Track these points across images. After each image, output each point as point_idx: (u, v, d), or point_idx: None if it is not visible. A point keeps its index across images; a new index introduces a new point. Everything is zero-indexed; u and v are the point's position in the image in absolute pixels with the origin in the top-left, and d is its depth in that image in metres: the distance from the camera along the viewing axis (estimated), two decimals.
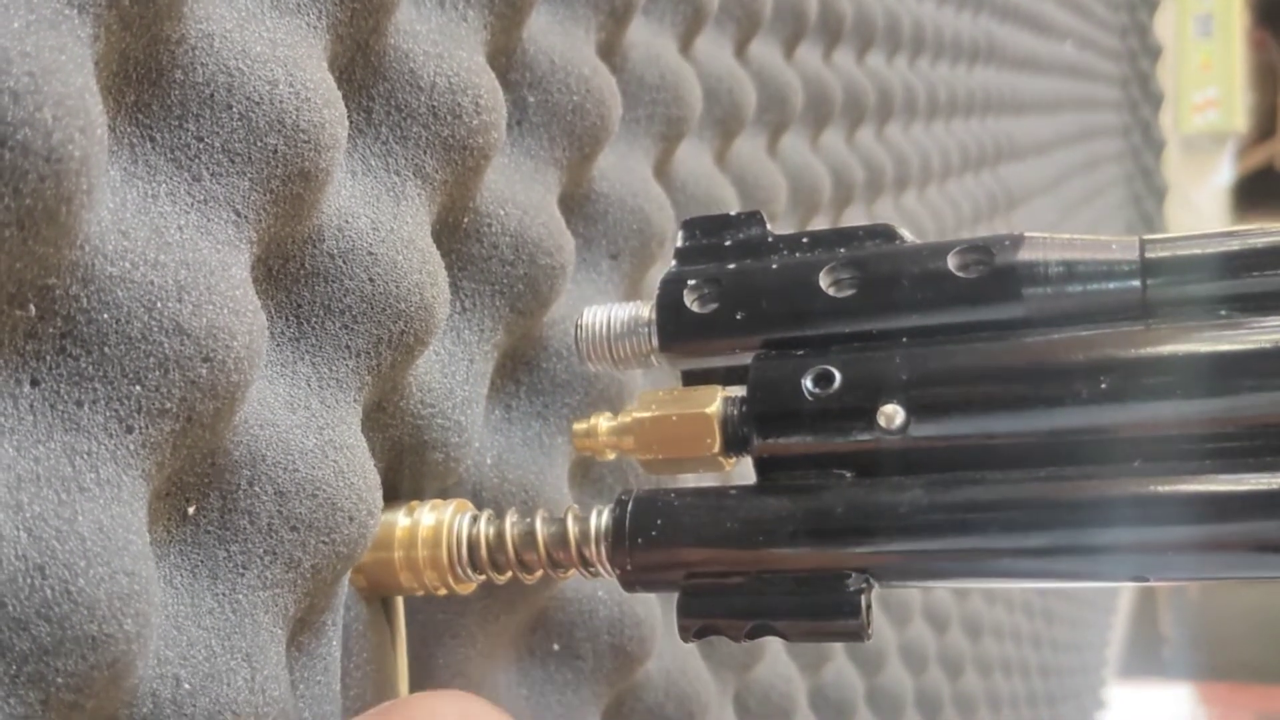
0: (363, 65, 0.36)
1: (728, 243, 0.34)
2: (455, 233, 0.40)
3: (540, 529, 0.34)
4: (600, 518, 0.33)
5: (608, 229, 0.48)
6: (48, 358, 0.25)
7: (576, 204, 0.48)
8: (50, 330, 0.25)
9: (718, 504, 0.31)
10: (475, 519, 0.36)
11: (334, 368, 0.33)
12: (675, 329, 0.33)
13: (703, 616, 0.31)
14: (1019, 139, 1.37)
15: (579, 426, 0.35)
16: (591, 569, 0.34)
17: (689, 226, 0.35)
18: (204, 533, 0.29)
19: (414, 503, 0.37)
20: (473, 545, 0.35)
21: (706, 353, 0.33)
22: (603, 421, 0.35)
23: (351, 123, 0.36)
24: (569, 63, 0.45)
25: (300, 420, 0.32)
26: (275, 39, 0.31)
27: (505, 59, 0.43)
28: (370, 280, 0.34)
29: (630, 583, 0.32)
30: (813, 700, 0.65)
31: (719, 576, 0.31)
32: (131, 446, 0.26)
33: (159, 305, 0.26)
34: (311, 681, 0.33)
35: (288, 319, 0.33)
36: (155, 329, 0.26)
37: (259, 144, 0.30)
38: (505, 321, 0.41)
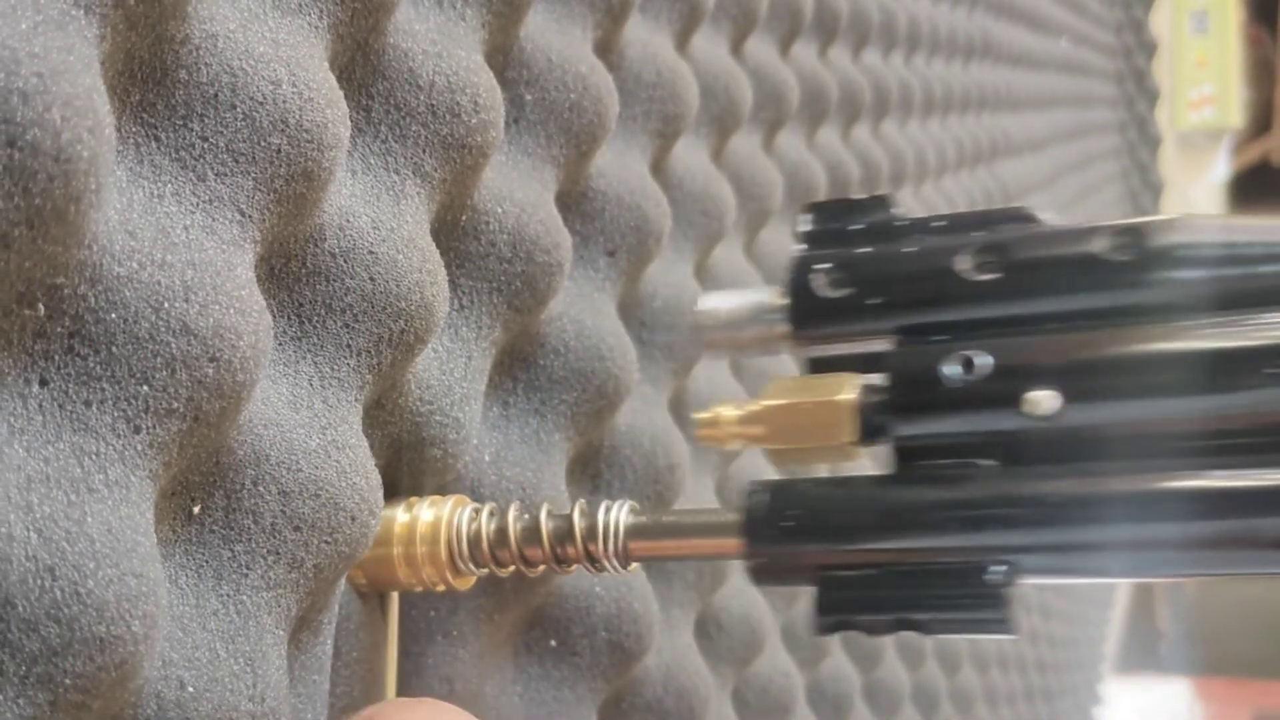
0: (362, 64, 0.36)
1: (856, 226, 0.33)
2: (453, 230, 0.40)
3: (545, 524, 0.35)
4: (609, 514, 0.33)
5: (605, 226, 0.49)
6: (56, 357, 0.26)
7: (574, 201, 0.48)
8: (59, 330, 0.26)
9: (856, 493, 0.30)
10: (476, 514, 0.36)
11: (336, 367, 0.33)
12: (808, 314, 0.32)
13: (842, 611, 0.30)
14: (1015, 135, 1.37)
15: (702, 417, 0.34)
16: (597, 564, 0.34)
17: (814, 210, 0.34)
18: (209, 532, 0.30)
19: (413, 499, 0.37)
20: (473, 540, 0.36)
21: (839, 338, 0.33)
22: (728, 411, 0.34)
23: (351, 122, 0.36)
24: (566, 61, 0.45)
25: (303, 420, 0.32)
26: (278, 39, 0.32)
27: (503, 57, 0.44)
28: (371, 279, 0.34)
29: (762, 575, 0.32)
30: (810, 695, 0.65)
31: (857, 569, 0.30)
32: (139, 447, 0.26)
33: (166, 305, 0.27)
34: (307, 681, 0.33)
35: (290, 318, 0.33)
36: (162, 329, 0.27)
37: (263, 144, 0.30)
38: (503, 318, 0.41)
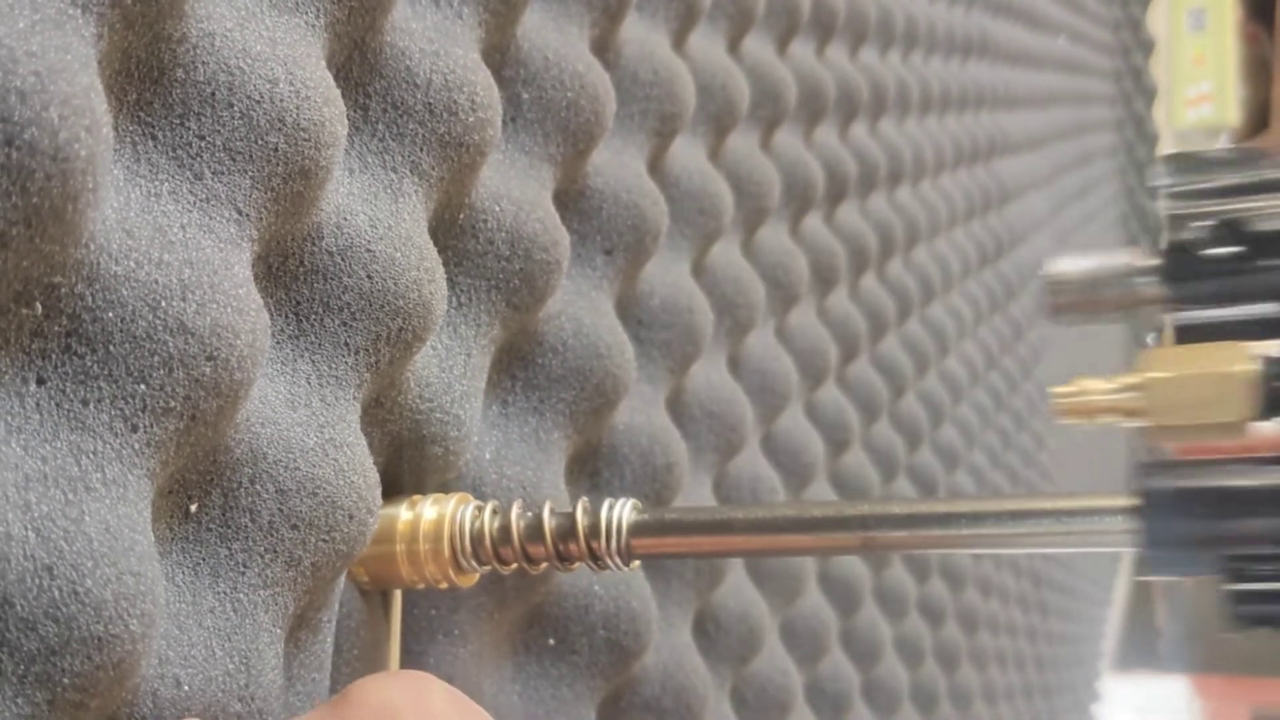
0: (359, 63, 0.36)
1: (1231, 181, 0.31)
2: (451, 229, 0.40)
3: (548, 522, 0.35)
4: (610, 511, 0.33)
5: (602, 225, 0.49)
6: (54, 356, 0.26)
7: (571, 200, 0.48)
8: (56, 329, 0.26)
9: (1263, 476, 0.28)
10: (479, 511, 0.36)
11: (333, 365, 0.33)
12: (1188, 273, 0.30)
13: (1262, 603, 0.29)
14: (1012, 133, 1.37)
15: (1062, 390, 0.33)
16: (600, 562, 0.34)
17: (1176, 163, 0.32)
18: (206, 530, 0.30)
19: (416, 497, 0.37)
20: (476, 538, 0.36)
21: (1224, 302, 0.31)
22: (1097, 383, 0.32)
23: (349, 120, 0.36)
24: (563, 59, 0.45)
25: (301, 418, 0.32)
26: (275, 38, 0.31)
27: (500, 56, 0.44)
28: (369, 277, 0.34)
29: (1160, 564, 0.30)
30: (809, 694, 0.65)
31: (1272, 561, 0.28)
32: (137, 445, 0.26)
33: (163, 304, 0.27)
34: (305, 679, 0.33)
35: (287, 317, 0.33)
36: (160, 328, 0.27)
37: (260, 142, 0.30)
38: (501, 316, 0.41)
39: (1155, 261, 0.31)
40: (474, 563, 0.36)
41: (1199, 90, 2.87)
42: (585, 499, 0.35)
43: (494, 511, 0.36)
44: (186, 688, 0.27)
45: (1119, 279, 0.32)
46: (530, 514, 0.35)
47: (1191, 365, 0.30)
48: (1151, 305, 0.31)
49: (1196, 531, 0.29)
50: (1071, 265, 0.32)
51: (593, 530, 0.34)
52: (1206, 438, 0.30)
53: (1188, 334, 0.32)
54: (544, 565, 0.35)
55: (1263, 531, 0.28)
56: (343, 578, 0.35)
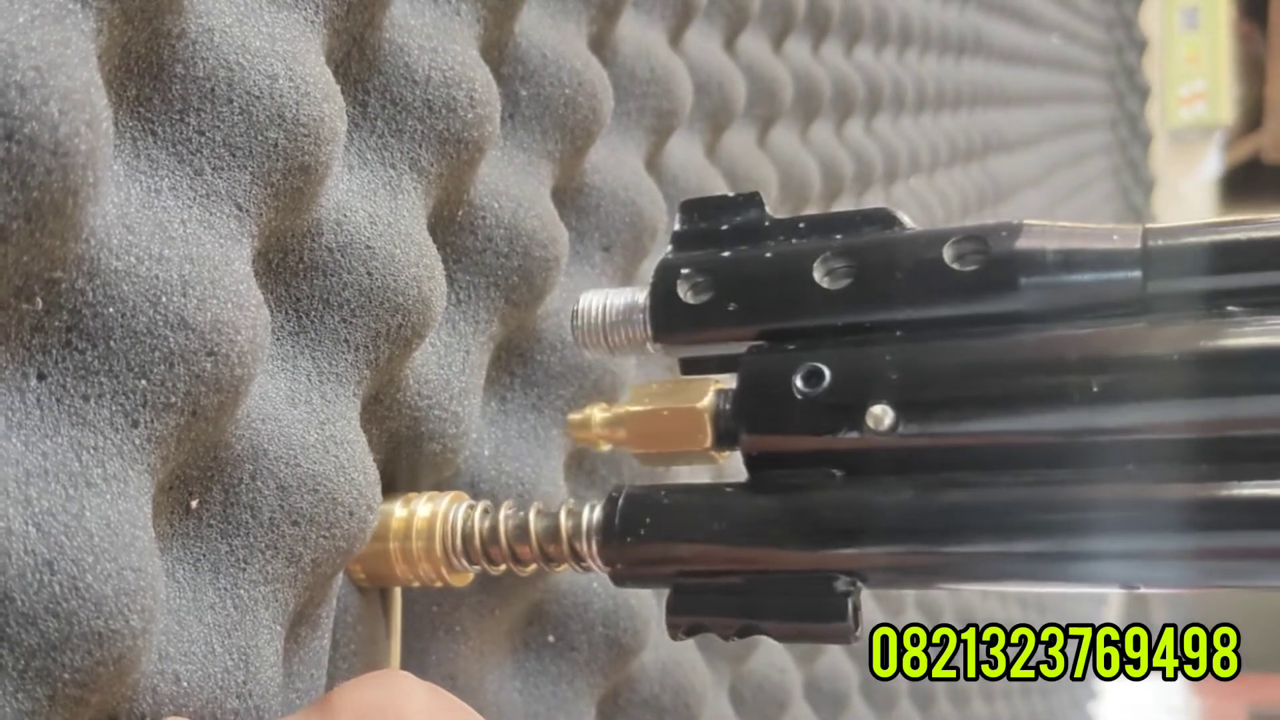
0: (358, 60, 0.36)
1: (724, 227, 0.33)
2: (450, 225, 0.40)
3: (533, 522, 0.34)
4: (592, 513, 0.33)
5: (600, 221, 0.49)
6: (54, 352, 0.26)
7: (569, 197, 0.48)
8: (57, 324, 0.25)
9: (708, 503, 0.31)
10: (471, 510, 0.36)
11: (333, 361, 0.33)
12: (669, 319, 0.32)
13: (692, 615, 0.31)
14: (1007, 132, 1.37)
15: (574, 418, 0.35)
16: (583, 564, 0.34)
17: (687, 209, 0.34)
18: (206, 526, 0.30)
19: (411, 494, 0.37)
20: (467, 537, 0.35)
21: (700, 342, 0.33)
22: (597, 413, 0.35)
23: (348, 117, 0.36)
24: (561, 56, 0.45)
25: (301, 415, 0.32)
26: (274, 34, 0.31)
27: (498, 53, 0.44)
28: (368, 274, 0.34)
29: (621, 578, 0.32)
30: (807, 691, 0.65)
31: (709, 575, 0.30)
32: (137, 441, 0.26)
33: (164, 299, 0.27)
34: (304, 675, 0.33)
35: (287, 313, 0.33)
36: (160, 323, 0.27)
37: (260, 138, 0.30)
38: (500, 313, 0.41)
39: (645, 303, 0.33)
40: (464, 563, 0.36)
41: (1192, 88, 2.87)
42: (569, 499, 0.35)
43: (484, 511, 0.36)
44: (185, 684, 0.27)
45: (626, 319, 0.33)
46: (519, 514, 0.35)
47: (664, 399, 0.32)
48: (652, 345, 0.33)
49: (639, 553, 0.31)
50: (591, 302, 0.34)
51: (575, 532, 0.33)
52: (687, 464, 0.33)
53: (689, 368, 0.34)
54: (532, 566, 0.35)
55: (693, 555, 0.31)
56: (342, 574, 0.34)
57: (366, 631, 0.36)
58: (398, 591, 0.38)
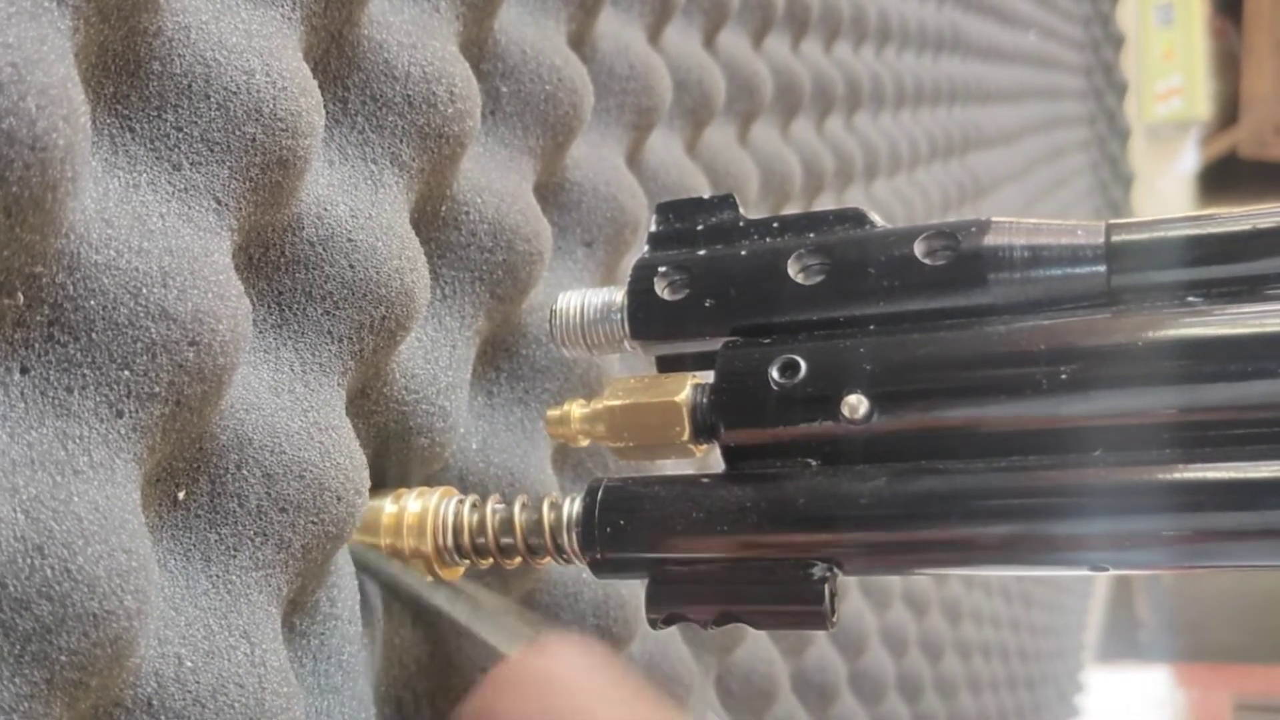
0: (337, 56, 0.37)
1: (700, 227, 0.34)
2: (434, 220, 0.40)
3: (518, 516, 0.34)
4: (572, 506, 0.33)
5: (582, 217, 0.49)
6: (37, 345, 0.26)
7: (551, 193, 0.48)
8: (39, 318, 0.26)
9: (685, 493, 0.31)
10: (460, 505, 0.36)
11: (317, 353, 0.33)
12: (646, 317, 0.33)
13: (670, 604, 0.31)
14: (986, 128, 1.38)
15: (553, 413, 0.35)
16: (565, 556, 0.34)
17: (663, 210, 0.34)
18: (195, 517, 0.30)
19: (400, 490, 0.37)
20: (457, 531, 0.36)
21: (677, 340, 0.33)
22: (576, 408, 0.35)
23: (328, 113, 0.36)
24: (540, 53, 0.46)
25: (285, 404, 0.32)
26: (250, 30, 0.32)
27: (478, 49, 0.44)
28: (350, 266, 0.34)
29: (600, 569, 0.32)
30: (795, 683, 0.65)
31: (687, 565, 0.31)
32: (122, 430, 0.26)
33: (144, 291, 0.27)
34: (306, 660, 0.33)
35: (270, 306, 0.33)
36: (141, 314, 0.27)
37: (237, 133, 0.30)
38: (486, 307, 0.41)
39: (622, 302, 0.33)
40: (455, 555, 0.36)
41: (1169, 84, 2.89)
42: (553, 493, 0.35)
43: (473, 505, 0.36)
44: (190, 663, 0.28)
45: (604, 318, 0.34)
46: (505, 508, 0.35)
47: (642, 394, 0.33)
48: (629, 342, 0.34)
49: (620, 544, 0.32)
50: (569, 301, 0.35)
51: (557, 525, 0.33)
52: (665, 458, 0.33)
53: (666, 365, 0.34)
54: (518, 560, 0.35)
55: (670, 546, 0.31)
56: (337, 559, 0.34)
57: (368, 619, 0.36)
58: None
